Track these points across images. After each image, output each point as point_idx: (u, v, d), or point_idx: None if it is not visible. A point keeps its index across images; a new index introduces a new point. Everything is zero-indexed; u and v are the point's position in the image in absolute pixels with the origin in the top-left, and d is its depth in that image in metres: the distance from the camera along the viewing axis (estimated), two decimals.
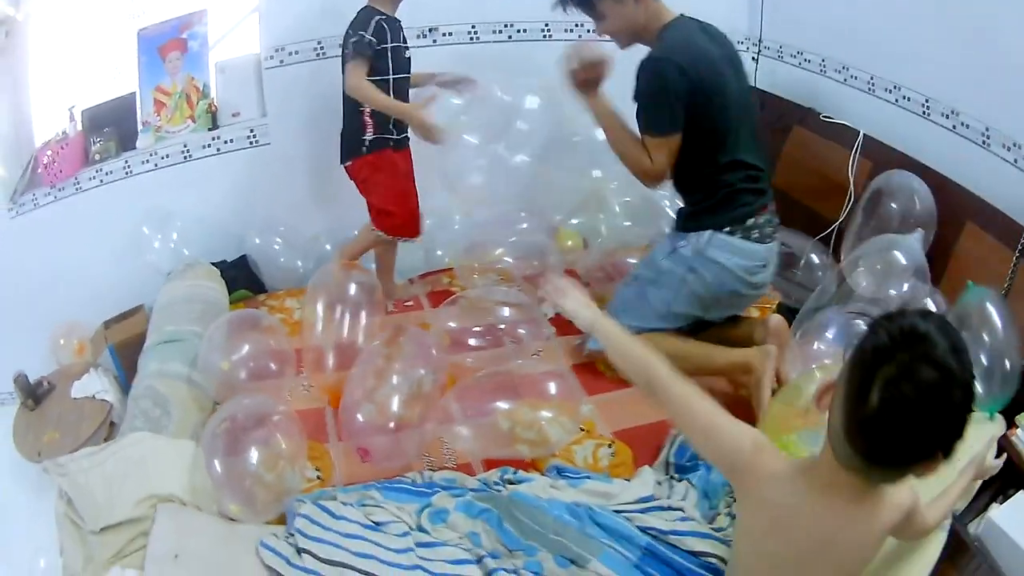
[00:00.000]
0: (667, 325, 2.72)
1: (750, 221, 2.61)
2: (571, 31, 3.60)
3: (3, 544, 2.78)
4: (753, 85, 3.78)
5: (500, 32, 3.66)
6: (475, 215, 3.58)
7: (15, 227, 3.26)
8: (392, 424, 2.27)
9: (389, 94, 2.97)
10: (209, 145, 3.48)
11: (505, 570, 1.86)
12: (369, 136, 3.05)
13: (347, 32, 2.95)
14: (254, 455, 2.11)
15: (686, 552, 1.91)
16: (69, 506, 2.00)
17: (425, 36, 3.54)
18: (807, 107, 3.44)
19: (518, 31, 3.67)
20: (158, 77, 3.44)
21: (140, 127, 3.46)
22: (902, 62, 3.10)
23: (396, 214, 3.16)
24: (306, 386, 2.71)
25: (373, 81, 2.92)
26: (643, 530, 1.98)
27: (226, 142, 3.49)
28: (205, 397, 2.58)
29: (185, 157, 3.45)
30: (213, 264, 3.41)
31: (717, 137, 2.54)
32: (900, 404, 1.18)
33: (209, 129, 3.49)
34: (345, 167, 3.16)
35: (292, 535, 1.96)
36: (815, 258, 3.06)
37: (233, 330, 2.60)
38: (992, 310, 2.27)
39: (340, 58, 3.03)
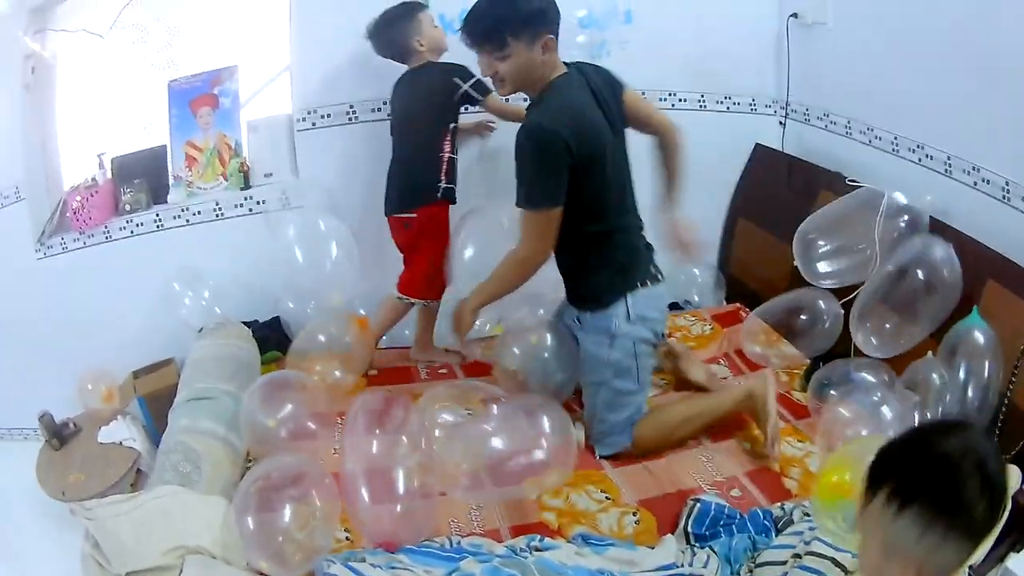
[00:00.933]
0: (649, 390, 2.76)
1: (652, 267, 2.66)
2: None
3: (24, 572, 2.88)
4: (781, 149, 3.89)
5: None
6: None
7: (42, 268, 3.37)
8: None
9: (451, 145, 3.08)
10: (241, 204, 3.51)
11: None
12: (443, 184, 3.08)
13: (444, 82, 3.04)
14: (287, 512, 2.11)
15: None
16: (95, 548, 2.03)
17: None
18: (833, 171, 3.46)
19: None
20: (189, 131, 3.51)
21: (172, 181, 3.53)
22: (924, 121, 3.13)
23: (437, 276, 3.17)
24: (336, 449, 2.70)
25: (454, 128, 3.08)
26: None
27: (258, 203, 3.52)
28: (236, 455, 2.60)
29: (217, 215, 3.49)
30: (245, 323, 3.41)
31: (604, 202, 2.52)
32: None
33: (241, 188, 3.53)
34: (403, 217, 3.13)
35: None
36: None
37: (276, 389, 2.62)
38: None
39: (426, 110, 3.08)
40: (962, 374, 2.50)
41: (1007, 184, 2.75)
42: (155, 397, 3.26)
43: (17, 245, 3.34)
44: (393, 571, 2.04)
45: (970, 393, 2.50)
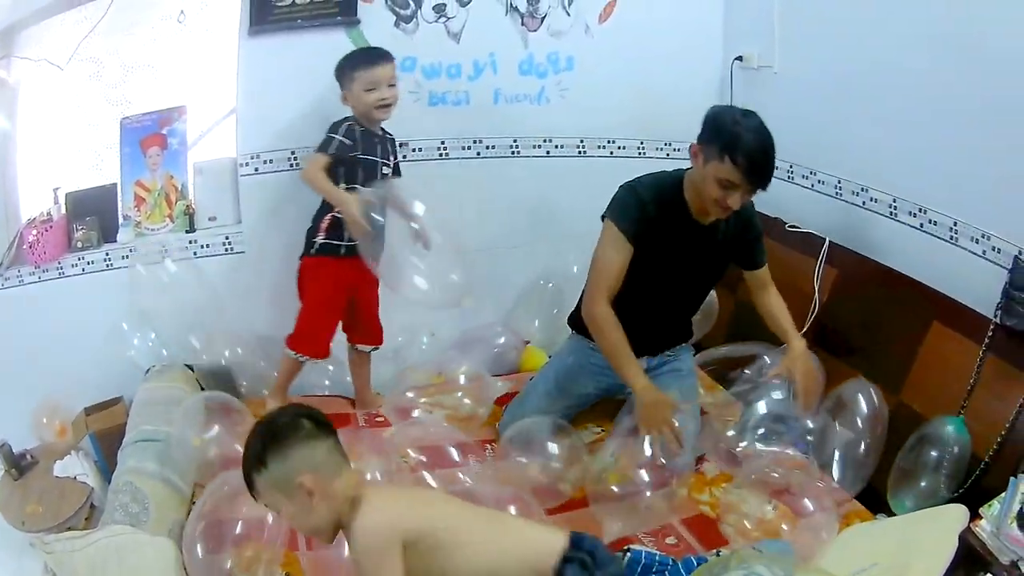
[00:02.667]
0: None
1: None
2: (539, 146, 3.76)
3: None
4: None
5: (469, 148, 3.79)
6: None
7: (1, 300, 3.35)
8: None
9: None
10: (186, 248, 3.52)
11: None
12: (320, 239, 3.09)
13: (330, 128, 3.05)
14: (231, 557, 2.23)
15: None
16: None
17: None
18: (773, 217, 3.49)
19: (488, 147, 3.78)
20: (139, 171, 3.51)
21: (121, 220, 3.52)
22: (869, 163, 3.19)
23: (306, 330, 3.16)
24: None
25: (346, 188, 2.99)
26: None
27: (202, 246, 3.53)
28: (182, 496, 2.67)
29: (163, 257, 3.48)
30: (189, 366, 3.42)
31: None
32: None
33: (187, 231, 3.55)
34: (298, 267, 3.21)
35: None
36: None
37: (208, 410, 2.73)
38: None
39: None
40: None
41: (955, 224, 2.81)
42: (105, 435, 3.29)
43: None
44: None
45: None
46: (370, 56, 3.05)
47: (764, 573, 2.06)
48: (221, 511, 2.30)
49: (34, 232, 3.37)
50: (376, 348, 3.36)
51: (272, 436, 1.80)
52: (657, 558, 2.26)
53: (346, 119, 3.05)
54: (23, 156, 3.50)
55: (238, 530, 2.27)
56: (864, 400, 2.66)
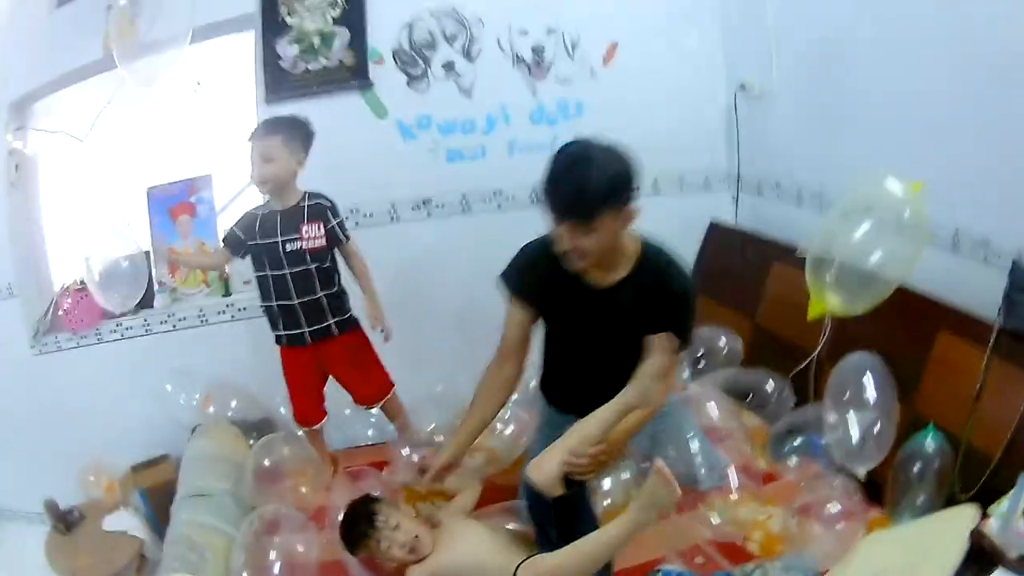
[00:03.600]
0: None
1: None
2: None
3: None
4: (735, 224, 4.04)
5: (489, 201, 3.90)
6: None
7: (39, 363, 3.54)
8: None
9: (270, 291, 3.00)
10: (224, 311, 3.69)
11: None
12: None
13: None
14: None
15: None
16: None
17: (419, 208, 3.79)
18: (784, 244, 3.52)
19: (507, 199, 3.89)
20: (170, 237, 3.66)
21: (156, 287, 3.66)
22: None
23: (294, 409, 3.23)
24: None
25: (258, 276, 3.02)
26: None
27: (240, 309, 3.69)
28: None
29: (202, 321, 3.66)
30: (235, 422, 3.47)
31: None
32: None
33: (223, 295, 3.70)
34: None
35: None
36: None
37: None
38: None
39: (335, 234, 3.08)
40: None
41: (956, 233, 2.86)
42: (154, 490, 3.44)
43: (13, 340, 3.50)
44: None
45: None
46: (254, 128, 2.94)
47: None
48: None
49: (68, 299, 3.53)
50: (379, 403, 3.25)
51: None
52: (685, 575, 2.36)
53: (252, 210, 3.00)
54: (49, 224, 3.69)
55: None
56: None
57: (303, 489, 2.95)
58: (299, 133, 2.90)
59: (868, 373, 2.72)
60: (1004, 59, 2.58)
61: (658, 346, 2.34)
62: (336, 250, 3.05)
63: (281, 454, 2.98)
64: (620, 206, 2.28)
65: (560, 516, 2.20)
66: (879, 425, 2.67)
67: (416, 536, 2.38)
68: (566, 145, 2.36)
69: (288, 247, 2.91)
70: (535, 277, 2.55)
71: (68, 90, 3.48)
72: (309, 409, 3.20)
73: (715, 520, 2.70)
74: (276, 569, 2.47)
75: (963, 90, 2.76)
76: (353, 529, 2.46)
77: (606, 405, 2.31)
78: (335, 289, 3.06)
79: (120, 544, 3.29)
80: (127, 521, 3.41)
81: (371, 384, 3.24)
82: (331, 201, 3.02)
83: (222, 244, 3.03)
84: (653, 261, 2.48)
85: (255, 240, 2.93)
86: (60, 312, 3.57)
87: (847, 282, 2.64)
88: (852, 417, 2.70)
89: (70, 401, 3.56)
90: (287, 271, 2.93)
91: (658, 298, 2.43)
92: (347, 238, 3.05)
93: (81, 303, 3.53)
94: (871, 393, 2.70)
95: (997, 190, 2.70)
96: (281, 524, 2.63)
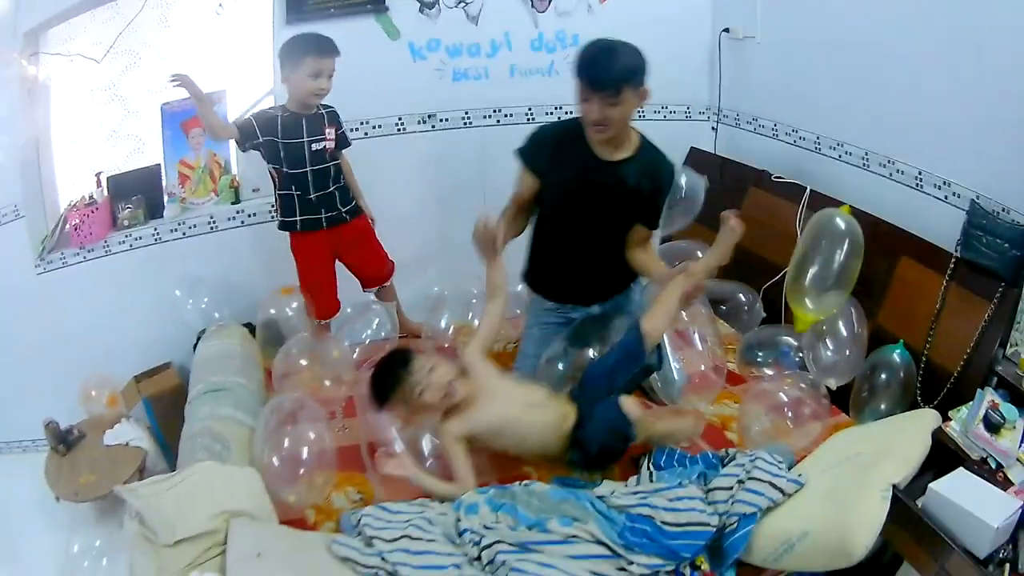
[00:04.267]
0: None
1: None
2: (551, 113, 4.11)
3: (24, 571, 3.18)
4: (713, 151, 4.30)
5: (489, 117, 4.14)
6: None
7: (42, 282, 3.58)
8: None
9: (278, 181, 3.29)
10: (234, 218, 3.83)
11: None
12: (278, 219, 3.40)
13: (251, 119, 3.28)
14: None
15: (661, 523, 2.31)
16: (141, 524, 2.20)
17: (424, 122, 4.01)
18: (761, 169, 3.85)
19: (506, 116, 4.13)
20: (182, 151, 3.78)
21: (167, 197, 3.78)
22: (843, 121, 3.54)
23: (312, 298, 3.49)
24: (343, 427, 3.06)
25: (273, 169, 3.28)
26: (620, 508, 2.39)
27: (249, 215, 3.84)
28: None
29: (212, 228, 3.80)
30: (246, 324, 3.69)
31: None
32: None
33: (232, 203, 3.83)
34: None
35: (359, 532, 2.33)
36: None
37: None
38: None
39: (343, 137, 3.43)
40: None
41: (919, 174, 3.15)
42: (159, 397, 3.51)
43: (16, 261, 3.53)
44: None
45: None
46: (322, 46, 3.15)
47: (766, 456, 2.49)
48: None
49: (77, 215, 3.58)
50: (384, 285, 3.65)
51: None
52: (677, 452, 2.70)
53: (269, 113, 3.22)
54: (59, 145, 3.70)
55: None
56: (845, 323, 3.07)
57: (326, 383, 3.19)
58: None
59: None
60: (972, 14, 2.84)
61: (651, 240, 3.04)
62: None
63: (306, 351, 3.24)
64: (639, 85, 2.75)
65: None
66: (849, 350, 3.02)
67: (451, 381, 2.58)
68: (596, 40, 2.76)
69: (314, 146, 3.25)
70: (547, 152, 2.94)
71: (84, 15, 3.52)
72: (328, 300, 3.50)
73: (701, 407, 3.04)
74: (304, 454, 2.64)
75: (933, 41, 3.02)
76: (388, 374, 2.60)
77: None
78: (342, 183, 3.41)
79: (122, 457, 3.27)
80: (128, 432, 3.41)
81: (377, 265, 3.63)
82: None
83: (234, 126, 3.23)
84: (650, 148, 2.95)
85: (275, 138, 3.19)
86: (68, 227, 3.63)
87: (816, 299, 3.03)
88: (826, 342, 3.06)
89: (73, 319, 3.64)
90: (308, 168, 3.26)
91: (653, 176, 2.92)
92: (350, 143, 3.46)
93: (91, 217, 3.60)
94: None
95: (959, 137, 2.98)
96: (299, 413, 2.77)
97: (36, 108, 3.57)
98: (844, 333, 3.06)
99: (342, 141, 3.39)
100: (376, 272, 3.62)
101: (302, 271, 3.45)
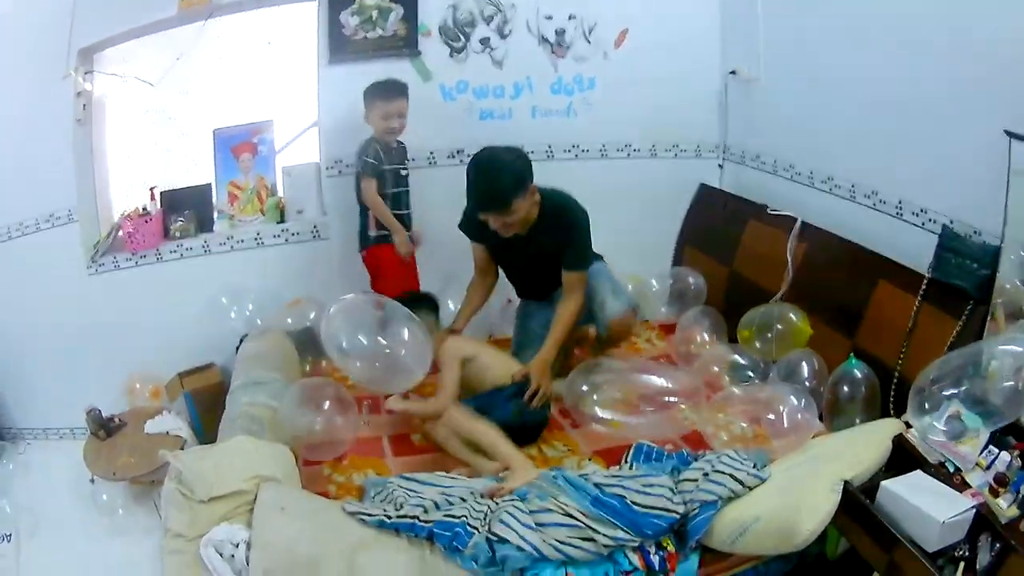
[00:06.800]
0: None
1: None
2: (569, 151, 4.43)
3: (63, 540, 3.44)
4: (720, 187, 4.57)
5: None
6: None
7: (93, 282, 3.89)
8: None
9: (388, 202, 3.76)
10: (279, 235, 4.12)
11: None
12: (373, 232, 3.79)
13: (357, 154, 3.75)
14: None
15: (630, 502, 2.56)
16: (180, 483, 2.44)
17: (453, 156, 4.32)
18: (759, 203, 4.09)
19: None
20: (232, 173, 4.12)
21: (216, 214, 4.11)
22: (834, 157, 3.74)
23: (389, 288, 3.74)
24: (366, 421, 3.38)
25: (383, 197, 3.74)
26: (596, 484, 2.65)
27: (293, 234, 4.14)
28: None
29: (258, 243, 4.10)
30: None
31: None
32: None
33: (277, 222, 4.14)
34: (361, 255, 3.89)
35: (385, 497, 2.66)
36: None
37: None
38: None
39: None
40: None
41: (899, 203, 3.34)
42: (201, 393, 3.79)
43: (68, 261, 3.84)
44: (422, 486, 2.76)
45: None
46: (387, 91, 3.69)
47: (732, 453, 2.74)
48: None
49: (131, 224, 3.88)
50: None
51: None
52: (656, 449, 2.96)
53: (369, 141, 3.70)
54: (116, 159, 4.04)
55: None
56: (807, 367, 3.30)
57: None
58: None
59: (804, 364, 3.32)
60: (947, 53, 3.03)
61: (573, 284, 3.40)
62: None
63: None
64: (524, 190, 3.16)
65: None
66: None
67: None
68: (476, 156, 3.23)
69: (403, 171, 3.86)
70: (477, 226, 3.34)
71: (139, 40, 3.84)
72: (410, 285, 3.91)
73: (687, 417, 3.26)
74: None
75: (911, 80, 3.22)
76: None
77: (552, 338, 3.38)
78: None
79: (162, 444, 3.39)
80: (169, 423, 3.64)
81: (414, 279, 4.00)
82: None
83: (364, 171, 3.72)
84: (550, 211, 3.34)
85: (383, 166, 3.72)
86: (122, 234, 3.92)
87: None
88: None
89: (121, 319, 3.90)
90: (402, 188, 3.86)
91: (557, 234, 3.34)
92: None
93: (144, 227, 3.89)
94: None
95: (933, 170, 3.18)
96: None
97: (91, 122, 3.88)
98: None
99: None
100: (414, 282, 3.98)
101: (386, 274, 3.85)
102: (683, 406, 3.25)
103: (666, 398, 3.22)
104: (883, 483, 2.41)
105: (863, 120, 3.54)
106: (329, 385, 3.20)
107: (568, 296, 3.42)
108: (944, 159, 3.12)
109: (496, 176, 3.13)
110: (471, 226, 3.43)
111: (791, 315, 3.45)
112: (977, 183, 2.93)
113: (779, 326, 3.45)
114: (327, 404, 3.07)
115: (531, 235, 3.34)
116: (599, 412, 3.17)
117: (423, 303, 3.49)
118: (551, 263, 3.43)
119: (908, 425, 2.67)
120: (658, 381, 3.28)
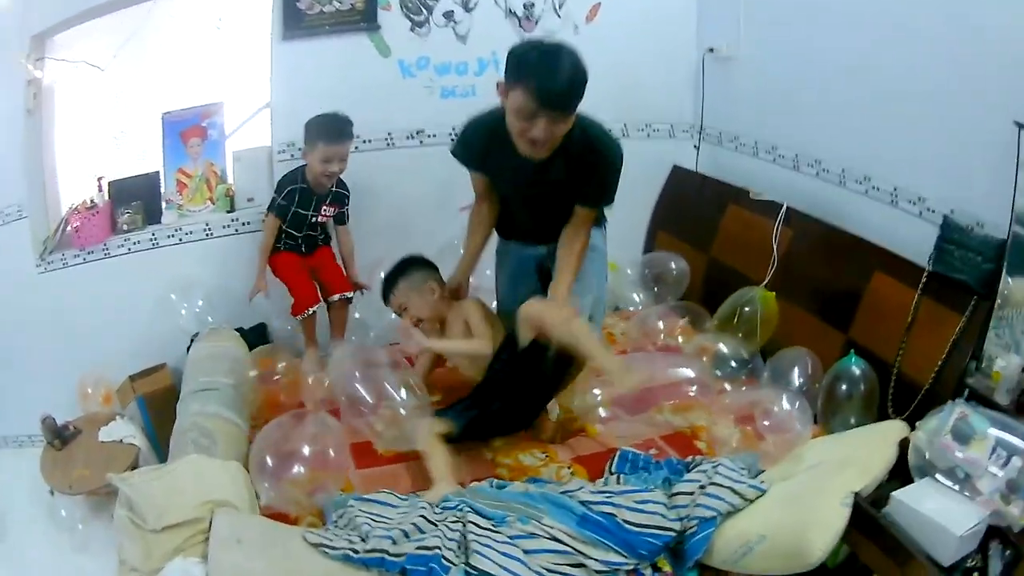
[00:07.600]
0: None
1: None
2: None
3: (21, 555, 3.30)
4: (695, 169, 4.41)
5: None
6: None
7: (43, 282, 3.67)
8: None
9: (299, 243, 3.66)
10: (228, 226, 3.92)
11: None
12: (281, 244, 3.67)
13: (278, 181, 3.58)
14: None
15: (622, 520, 2.40)
16: (131, 511, 2.33)
17: (412, 137, 4.10)
18: (740, 187, 3.95)
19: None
20: (180, 160, 3.89)
21: (164, 204, 3.89)
22: (821, 139, 3.62)
23: (296, 295, 3.62)
24: None
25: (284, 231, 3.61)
26: (582, 503, 2.47)
27: (244, 224, 3.93)
28: (242, 432, 3.03)
29: (207, 235, 3.89)
30: (237, 329, 3.78)
31: None
32: None
33: (227, 211, 3.94)
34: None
35: (347, 523, 2.46)
36: None
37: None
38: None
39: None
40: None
41: (895, 190, 3.23)
42: (153, 396, 3.59)
43: (19, 260, 3.62)
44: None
45: None
46: (332, 134, 3.42)
47: (728, 463, 2.58)
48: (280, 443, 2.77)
49: (78, 218, 3.68)
50: (345, 295, 3.73)
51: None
52: (642, 457, 2.81)
53: (296, 177, 3.52)
54: (61, 149, 3.81)
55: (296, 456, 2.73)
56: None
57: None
58: None
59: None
60: (948, 35, 2.92)
61: (586, 218, 2.90)
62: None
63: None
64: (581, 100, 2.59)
65: None
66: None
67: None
68: (542, 44, 2.61)
69: (312, 218, 3.63)
70: (478, 150, 2.91)
71: (89, 24, 3.61)
72: (308, 293, 3.62)
73: (668, 418, 3.15)
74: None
75: (908, 65, 3.11)
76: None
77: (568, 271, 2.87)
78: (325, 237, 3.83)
79: (116, 453, 3.35)
80: (122, 430, 3.49)
81: (342, 276, 3.79)
82: (348, 191, 3.70)
83: (271, 208, 3.56)
84: (579, 135, 2.70)
85: (292, 207, 3.54)
86: (69, 229, 3.73)
87: None
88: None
89: (72, 319, 3.72)
90: (312, 234, 3.71)
91: (585, 165, 2.75)
92: (346, 222, 3.80)
93: (91, 220, 3.69)
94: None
95: (933, 155, 3.05)
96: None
97: (41, 111, 3.67)
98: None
99: (339, 218, 3.74)
100: (341, 279, 3.79)
101: (285, 275, 3.65)
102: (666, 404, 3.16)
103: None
104: (894, 494, 2.34)
105: (853, 101, 3.41)
106: None
107: (579, 229, 2.90)
108: (945, 147, 3.02)
109: (576, 69, 2.50)
110: (470, 152, 2.94)
111: (753, 292, 3.46)
112: (980, 173, 2.86)
113: (747, 308, 3.44)
114: None
115: (550, 162, 2.72)
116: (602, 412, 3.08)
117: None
118: (563, 200, 2.89)
119: (911, 427, 2.61)
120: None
